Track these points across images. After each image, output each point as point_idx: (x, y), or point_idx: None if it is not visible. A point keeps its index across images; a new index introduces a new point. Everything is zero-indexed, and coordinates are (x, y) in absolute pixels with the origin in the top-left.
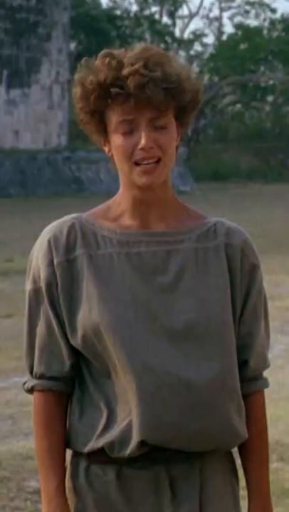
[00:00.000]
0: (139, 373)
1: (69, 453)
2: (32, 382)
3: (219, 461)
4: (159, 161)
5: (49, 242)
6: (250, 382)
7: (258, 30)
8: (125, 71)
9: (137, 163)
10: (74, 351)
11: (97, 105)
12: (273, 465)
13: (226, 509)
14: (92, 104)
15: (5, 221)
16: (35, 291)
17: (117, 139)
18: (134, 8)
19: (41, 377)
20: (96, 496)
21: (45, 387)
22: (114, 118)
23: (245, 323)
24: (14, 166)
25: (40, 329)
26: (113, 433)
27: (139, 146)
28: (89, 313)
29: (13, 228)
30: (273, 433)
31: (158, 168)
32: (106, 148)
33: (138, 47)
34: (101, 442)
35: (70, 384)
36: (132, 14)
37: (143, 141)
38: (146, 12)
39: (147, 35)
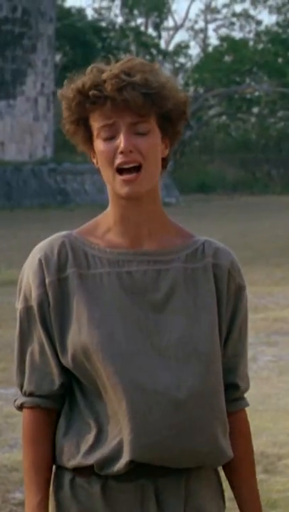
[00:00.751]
0: (129, 392)
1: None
2: (21, 399)
3: (205, 475)
4: (140, 168)
5: (40, 261)
6: (236, 402)
7: (243, 42)
8: (104, 75)
9: (118, 171)
10: (65, 370)
11: (79, 112)
12: (258, 477)
13: None
14: (74, 112)
15: None
16: (27, 310)
17: (99, 145)
18: (120, 20)
19: (31, 395)
20: (80, 508)
21: (34, 404)
22: (95, 124)
23: (231, 345)
24: (0, 178)
25: (32, 348)
26: (104, 451)
27: (119, 150)
28: (78, 333)
29: None
30: (258, 444)
31: (139, 176)
32: (94, 160)
33: (124, 58)
34: (90, 460)
35: (59, 401)
36: (117, 26)
37: (122, 144)
38: (132, 24)
39: (133, 47)
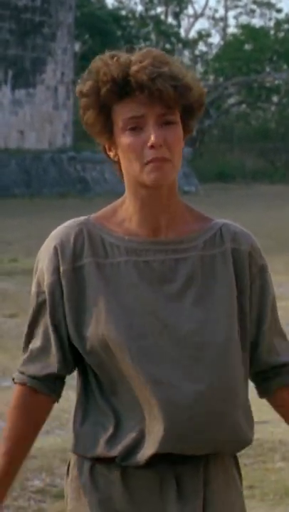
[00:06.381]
0: (148, 386)
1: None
2: (14, 374)
3: (223, 460)
4: (167, 160)
5: (55, 248)
6: (284, 376)
7: (263, 30)
8: (134, 67)
9: (146, 163)
10: (65, 359)
11: (108, 100)
12: (276, 465)
13: (230, 506)
14: (102, 97)
15: (9, 221)
16: (38, 295)
17: (125, 138)
18: (140, 8)
19: (22, 373)
20: (101, 495)
21: (21, 381)
22: (123, 115)
23: (268, 326)
24: (19, 166)
25: (37, 331)
26: (125, 442)
27: (149, 143)
28: (96, 325)
29: (17, 228)
30: (276, 432)
31: (167, 165)
32: (111, 153)
33: (142, 50)
34: (113, 452)
35: (50, 387)
36: (137, 15)
37: (153, 138)
38: (152, 12)
39: (152, 36)
